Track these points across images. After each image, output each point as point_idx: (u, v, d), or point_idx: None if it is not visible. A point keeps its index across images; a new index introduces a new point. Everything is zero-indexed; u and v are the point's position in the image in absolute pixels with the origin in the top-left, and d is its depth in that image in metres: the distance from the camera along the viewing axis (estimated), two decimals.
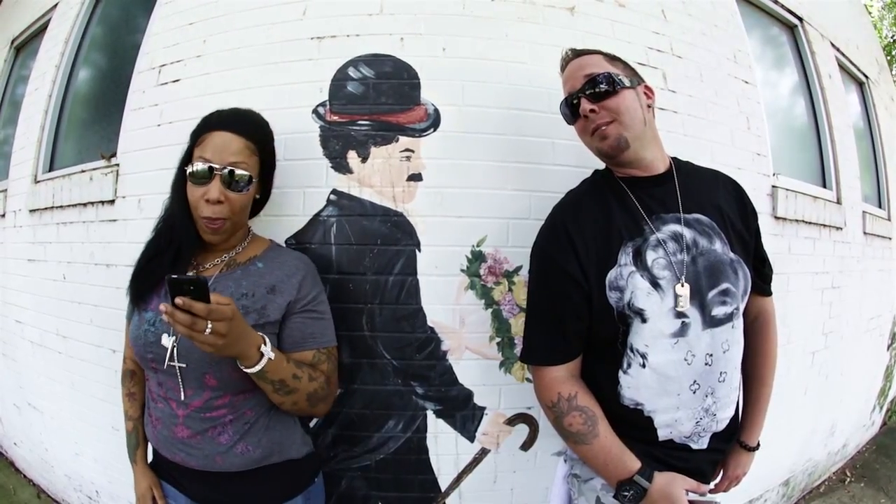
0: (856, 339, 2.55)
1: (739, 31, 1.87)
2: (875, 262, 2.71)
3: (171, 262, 0.96)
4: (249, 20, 1.43)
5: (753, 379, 1.07)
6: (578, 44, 1.23)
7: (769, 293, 1.10)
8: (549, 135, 1.35)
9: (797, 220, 1.96)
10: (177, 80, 1.51)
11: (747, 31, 1.93)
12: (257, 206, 1.09)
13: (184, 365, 0.91)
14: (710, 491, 1.04)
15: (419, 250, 1.31)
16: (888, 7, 8.51)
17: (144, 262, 1.00)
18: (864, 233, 2.56)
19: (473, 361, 1.33)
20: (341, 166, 1.32)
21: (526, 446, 1.38)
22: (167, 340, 0.91)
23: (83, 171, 1.80)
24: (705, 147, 1.59)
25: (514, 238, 1.33)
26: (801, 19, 2.31)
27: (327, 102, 1.33)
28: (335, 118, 1.33)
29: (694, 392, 0.89)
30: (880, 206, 2.98)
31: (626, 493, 0.86)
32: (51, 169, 2.10)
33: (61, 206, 1.85)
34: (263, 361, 0.85)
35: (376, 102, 1.32)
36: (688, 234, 0.91)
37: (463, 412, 1.34)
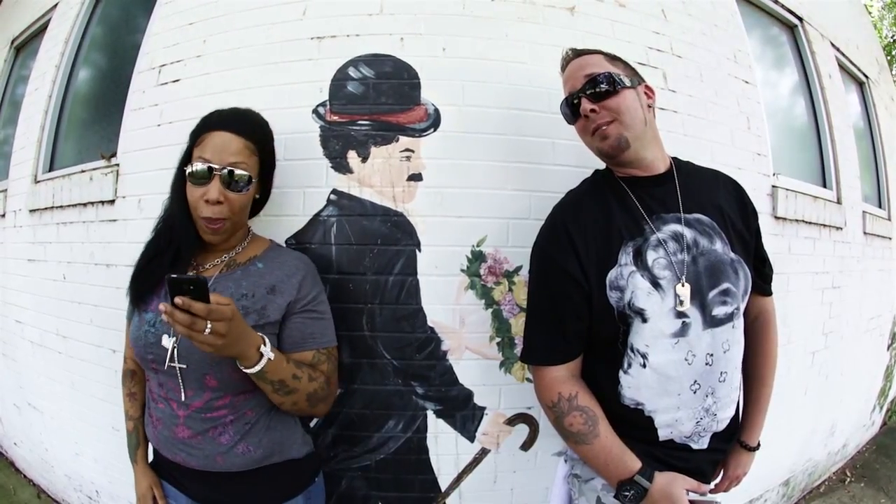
0: (856, 339, 2.55)
1: (739, 30, 1.87)
2: (875, 262, 2.71)
3: (171, 263, 0.96)
4: (249, 20, 1.43)
5: (754, 379, 1.07)
6: (578, 44, 1.23)
7: (769, 293, 1.10)
8: (550, 135, 1.35)
9: (797, 220, 1.96)
10: (177, 80, 1.51)
11: (747, 31, 1.93)
12: (257, 205, 1.09)
13: (184, 366, 0.91)
14: (711, 491, 1.04)
15: (419, 250, 1.31)
16: (888, 7, 8.52)
17: (144, 262, 1.00)
18: (865, 233, 2.56)
19: (473, 361, 1.33)
20: (341, 166, 1.32)
21: (526, 446, 1.38)
22: (167, 341, 0.91)
23: (83, 171, 1.80)
24: (705, 147, 1.59)
25: (514, 238, 1.33)
26: (801, 19, 2.31)
27: (327, 102, 1.33)
28: (335, 118, 1.33)
29: (694, 392, 0.89)
30: (880, 206, 2.98)
31: (627, 493, 0.86)
32: (51, 169, 2.10)
33: (61, 206, 1.85)
34: (263, 362, 0.85)
35: (376, 102, 1.32)
36: (688, 233, 0.91)
37: (463, 412, 1.34)
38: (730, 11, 1.86)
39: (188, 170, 0.94)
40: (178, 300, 0.72)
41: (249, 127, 1.00)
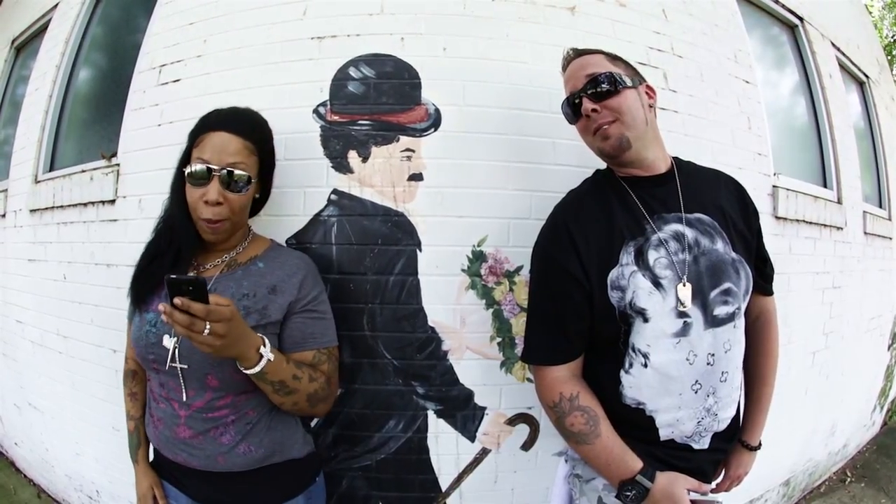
0: (856, 339, 2.55)
1: (740, 30, 1.87)
2: (876, 262, 2.71)
3: (172, 263, 0.96)
4: (250, 20, 1.43)
5: (755, 378, 1.07)
6: (579, 43, 1.23)
7: (771, 292, 1.10)
8: (550, 134, 1.34)
9: (798, 220, 1.95)
10: (177, 80, 1.51)
11: (748, 31, 1.93)
12: (257, 205, 1.09)
13: (185, 366, 0.91)
14: (712, 490, 1.04)
15: (420, 250, 1.31)
16: (889, 7, 8.51)
17: (145, 263, 1.00)
18: (865, 233, 2.56)
19: (474, 361, 1.33)
20: (342, 166, 1.32)
21: (527, 446, 1.37)
22: (168, 342, 0.91)
23: (84, 171, 1.80)
24: (706, 147, 1.59)
25: (514, 238, 1.33)
26: (801, 19, 2.31)
27: (328, 102, 1.33)
28: (336, 118, 1.33)
29: (696, 392, 0.88)
30: (881, 206, 2.98)
31: (629, 493, 0.86)
32: (51, 169, 2.10)
33: (62, 206, 1.85)
34: (263, 363, 0.85)
35: (377, 102, 1.32)
36: (689, 233, 0.91)
37: (464, 412, 1.34)
38: (730, 11, 1.86)
39: (187, 171, 0.94)
40: (176, 301, 0.72)
41: (248, 126, 1.00)
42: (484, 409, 1.34)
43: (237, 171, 0.94)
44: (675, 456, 0.91)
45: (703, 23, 1.70)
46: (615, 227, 0.92)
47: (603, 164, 1.04)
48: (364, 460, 1.33)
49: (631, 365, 0.90)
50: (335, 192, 1.32)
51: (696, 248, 0.91)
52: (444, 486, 1.36)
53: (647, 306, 0.87)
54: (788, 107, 2.27)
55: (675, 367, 0.87)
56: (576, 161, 1.31)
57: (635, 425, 0.91)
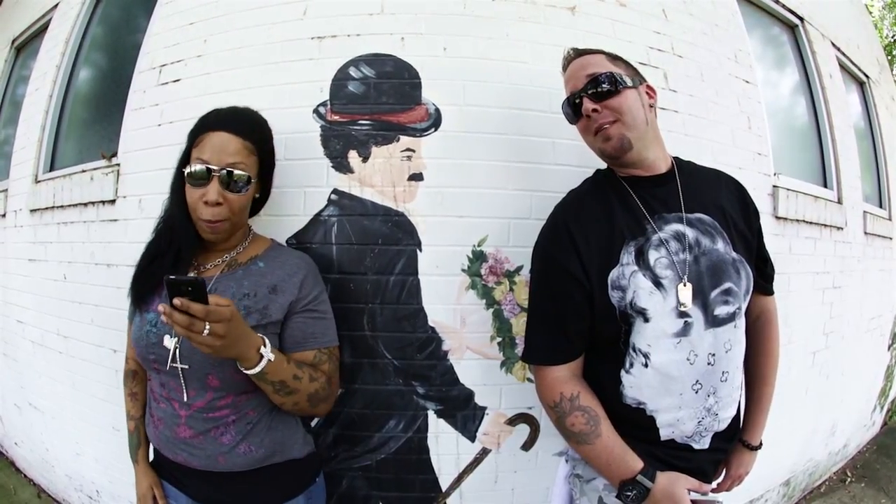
0: (856, 339, 2.55)
1: (740, 30, 1.87)
2: (876, 262, 2.71)
3: (172, 264, 0.96)
4: (250, 20, 1.43)
5: (756, 378, 1.08)
6: (579, 43, 1.23)
7: (771, 292, 1.10)
8: (551, 134, 1.34)
9: (798, 220, 1.95)
10: (177, 80, 1.51)
11: (748, 31, 1.92)
12: (257, 205, 1.08)
13: (186, 366, 0.91)
14: (713, 490, 1.04)
15: (420, 250, 1.31)
16: (889, 7, 8.51)
17: (146, 263, 1.00)
18: (865, 233, 2.55)
19: (474, 361, 1.33)
20: (342, 166, 1.32)
21: (527, 446, 1.37)
22: (169, 342, 0.91)
23: (84, 171, 1.80)
24: (706, 147, 1.59)
25: (515, 238, 1.33)
26: (801, 19, 2.31)
27: (328, 102, 1.33)
28: (336, 118, 1.33)
29: (696, 392, 0.88)
30: (881, 206, 2.98)
31: (629, 493, 0.86)
32: (51, 169, 2.10)
33: (62, 206, 1.85)
34: (263, 363, 0.85)
35: (377, 102, 1.32)
36: (690, 233, 0.91)
37: (464, 412, 1.34)
38: (730, 11, 1.86)
39: (186, 171, 0.94)
40: (176, 301, 0.72)
41: (248, 126, 0.99)
42: (484, 408, 1.34)
43: (237, 172, 0.94)
44: (676, 456, 0.91)
45: (703, 23, 1.70)
46: (616, 226, 0.92)
47: (603, 164, 1.04)
48: (364, 460, 1.33)
49: (631, 365, 0.90)
50: (335, 191, 1.32)
51: (696, 247, 0.91)
52: (444, 486, 1.36)
53: (648, 306, 0.87)
54: (789, 107, 2.27)
55: (676, 367, 0.87)
56: (576, 161, 1.31)
57: (636, 425, 0.91)
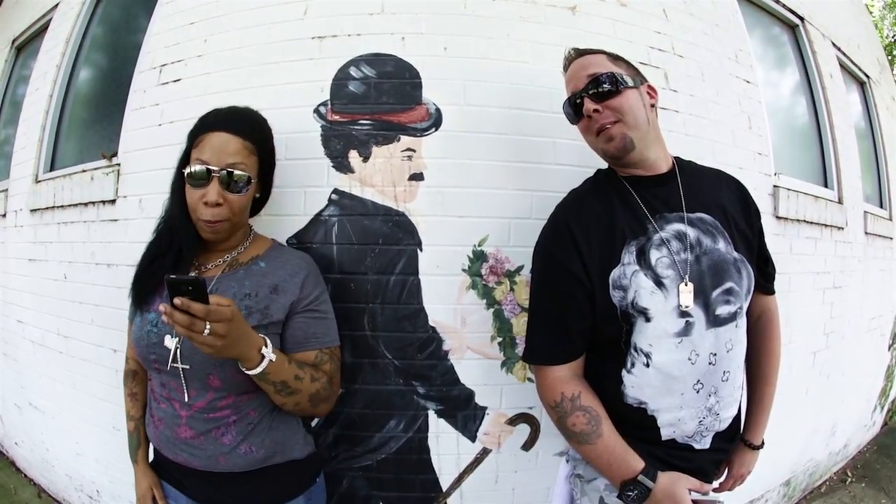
0: (857, 339, 2.55)
1: (741, 30, 1.87)
2: (876, 262, 2.71)
3: (173, 264, 0.96)
4: (250, 20, 1.43)
5: (757, 378, 1.08)
6: (580, 43, 1.23)
7: (772, 292, 1.10)
8: (551, 134, 1.34)
9: (799, 220, 1.95)
10: (178, 80, 1.51)
11: (749, 31, 1.92)
12: (258, 205, 1.08)
13: (187, 366, 0.91)
14: (715, 490, 1.04)
15: (421, 250, 1.31)
16: (889, 7, 8.51)
17: (146, 263, 1.00)
18: (866, 233, 2.55)
19: (475, 361, 1.33)
20: (343, 166, 1.32)
21: (527, 446, 1.37)
22: (170, 342, 0.91)
23: (84, 171, 1.80)
24: (707, 146, 1.59)
25: (515, 238, 1.32)
26: (802, 19, 2.31)
27: (328, 102, 1.33)
28: (336, 118, 1.32)
29: (697, 391, 0.88)
30: (882, 206, 2.98)
31: (630, 493, 0.86)
32: (52, 169, 2.10)
33: (62, 206, 1.85)
34: (264, 363, 0.85)
35: (378, 102, 1.32)
36: (691, 233, 0.91)
37: (464, 412, 1.34)
38: (731, 11, 1.86)
39: (186, 171, 0.93)
40: (176, 301, 0.71)
41: (247, 126, 0.99)
42: (485, 408, 1.34)
43: (237, 172, 0.93)
44: (677, 456, 0.91)
45: (703, 22, 1.70)
46: (617, 226, 0.92)
47: (603, 164, 1.04)
48: (365, 460, 1.33)
49: (633, 364, 0.90)
50: (336, 191, 1.32)
51: (698, 247, 0.91)
52: (444, 485, 1.36)
53: (649, 306, 0.87)
54: (789, 106, 2.27)
55: (677, 367, 0.87)
56: (576, 161, 1.31)
57: (637, 425, 0.90)
